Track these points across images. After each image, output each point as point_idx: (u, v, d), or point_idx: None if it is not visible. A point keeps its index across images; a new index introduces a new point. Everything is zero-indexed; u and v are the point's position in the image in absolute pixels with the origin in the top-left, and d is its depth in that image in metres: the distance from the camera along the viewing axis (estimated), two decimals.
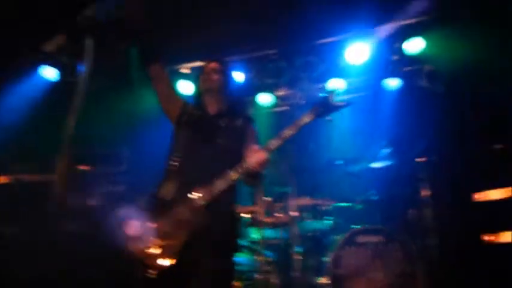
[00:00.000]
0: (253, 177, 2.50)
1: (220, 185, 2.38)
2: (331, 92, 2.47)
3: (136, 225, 2.42)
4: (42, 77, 5.05)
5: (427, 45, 5.02)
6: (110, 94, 5.00)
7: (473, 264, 3.29)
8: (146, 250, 2.35)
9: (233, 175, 2.39)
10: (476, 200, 3.35)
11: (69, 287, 3.76)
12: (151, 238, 2.36)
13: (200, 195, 2.38)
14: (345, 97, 2.45)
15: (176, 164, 2.55)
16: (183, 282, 2.40)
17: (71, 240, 3.85)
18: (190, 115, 2.69)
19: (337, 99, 2.44)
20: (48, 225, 3.76)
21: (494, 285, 3.12)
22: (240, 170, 2.39)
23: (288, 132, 2.42)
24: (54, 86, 5.07)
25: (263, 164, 2.38)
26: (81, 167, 4.39)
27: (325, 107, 2.44)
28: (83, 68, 2.04)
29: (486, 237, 3.24)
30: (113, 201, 4.22)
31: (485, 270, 3.18)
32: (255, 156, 2.37)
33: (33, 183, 4.07)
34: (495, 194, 3.32)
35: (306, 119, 2.43)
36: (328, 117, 2.48)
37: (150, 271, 2.33)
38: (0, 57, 4.53)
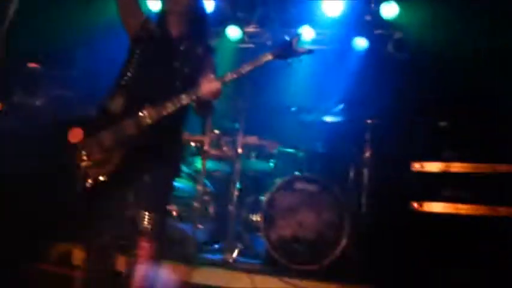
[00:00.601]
0: (204, 106, 2.52)
1: (170, 107, 2.37)
2: (296, 36, 2.51)
3: (79, 133, 2.39)
4: None
5: (401, 12, 5.05)
6: None
7: (399, 227, 3.55)
8: (86, 159, 2.35)
9: (184, 99, 2.39)
10: (415, 170, 3.55)
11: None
12: (92, 148, 2.36)
13: (148, 113, 2.37)
14: (308, 46, 2.49)
15: (128, 79, 2.49)
16: (120, 194, 2.45)
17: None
18: (151, 32, 2.60)
19: (299, 45, 2.48)
20: None
21: (415, 250, 3.40)
22: (191, 96, 2.39)
23: (245, 67, 2.44)
24: None
25: (216, 93, 2.40)
26: (31, 64, 4.20)
27: (287, 50, 2.47)
28: None
29: (415, 205, 3.48)
30: (60, 105, 4.10)
31: (409, 235, 3.44)
32: (209, 85, 2.38)
33: None
34: (432, 167, 3.52)
35: (266, 58, 2.46)
36: (288, 61, 2.51)
37: (89, 180, 2.34)
38: None
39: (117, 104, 2.44)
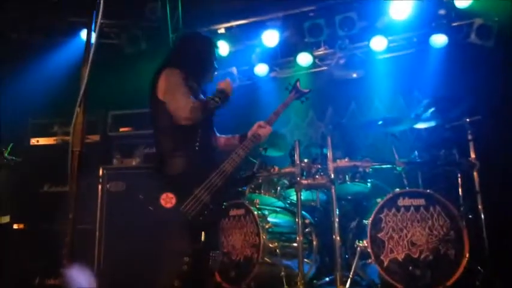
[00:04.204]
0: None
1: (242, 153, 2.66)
2: (297, 81, 3.07)
3: (172, 198, 2.48)
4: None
5: None
6: (149, 57, 5.00)
7: None
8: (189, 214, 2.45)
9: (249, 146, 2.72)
10: None
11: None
12: (192, 204, 2.44)
13: (228, 164, 2.59)
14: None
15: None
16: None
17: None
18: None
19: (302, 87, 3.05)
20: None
21: None
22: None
23: (280, 109, 2.89)
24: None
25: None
26: (123, 129, 4.46)
27: (297, 92, 3.04)
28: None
29: None
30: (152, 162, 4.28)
31: None
32: (262, 130, 2.78)
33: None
34: None
35: (290, 100, 3.01)
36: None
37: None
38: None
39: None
